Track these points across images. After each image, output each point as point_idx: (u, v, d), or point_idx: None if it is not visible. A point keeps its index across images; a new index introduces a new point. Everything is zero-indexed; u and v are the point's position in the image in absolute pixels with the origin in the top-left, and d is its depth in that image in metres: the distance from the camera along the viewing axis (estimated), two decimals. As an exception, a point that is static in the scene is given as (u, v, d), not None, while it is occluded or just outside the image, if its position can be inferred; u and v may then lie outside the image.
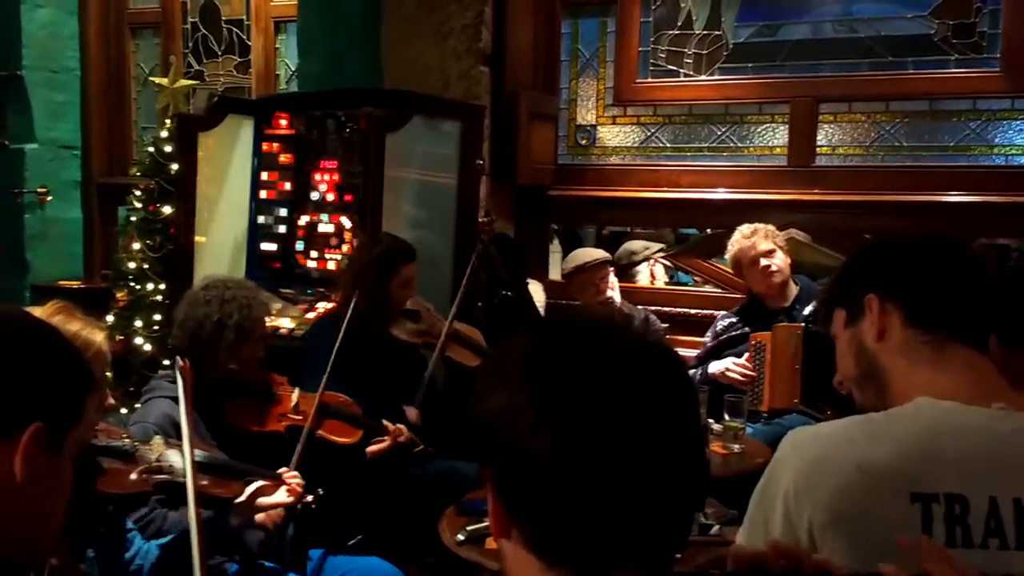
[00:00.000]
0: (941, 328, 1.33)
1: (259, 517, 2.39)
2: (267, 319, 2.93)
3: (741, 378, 3.70)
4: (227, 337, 2.70)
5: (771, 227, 3.88)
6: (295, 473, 2.53)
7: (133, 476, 2.13)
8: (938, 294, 1.36)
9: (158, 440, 2.23)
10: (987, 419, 1.24)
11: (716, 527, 2.62)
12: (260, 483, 2.41)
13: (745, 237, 3.85)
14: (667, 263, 5.08)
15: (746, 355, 3.75)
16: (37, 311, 1.83)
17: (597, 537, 0.82)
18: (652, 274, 5.10)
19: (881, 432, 1.25)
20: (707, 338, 4.03)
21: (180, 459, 2.20)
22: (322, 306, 3.89)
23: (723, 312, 4.11)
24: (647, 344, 0.88)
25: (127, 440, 2.15)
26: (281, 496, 2.44)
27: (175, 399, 2.33)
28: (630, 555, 0.83)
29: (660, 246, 5.16)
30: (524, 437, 0.82)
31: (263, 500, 2.40)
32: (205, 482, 2.27)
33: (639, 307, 4.38)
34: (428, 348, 3.44)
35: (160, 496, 2.29)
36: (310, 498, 2.52)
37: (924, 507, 1.17)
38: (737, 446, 3.25)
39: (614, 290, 4.26)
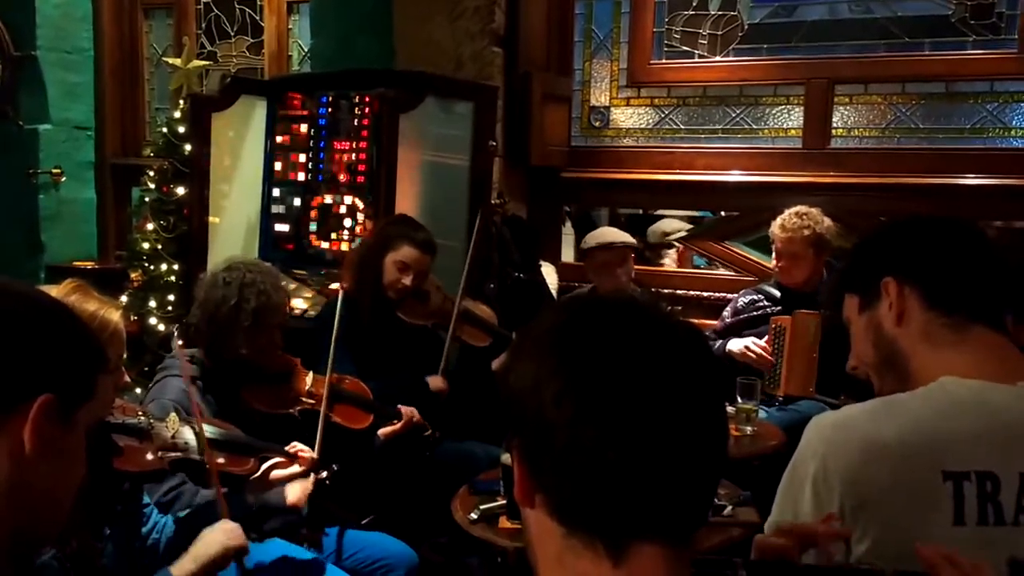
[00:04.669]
0: (961, 310, 1.32)
1: (290, 499, 2.40)
2: (288, 304, 2.91)
3: (759, 359, 3.68)
4: (243, 322, 2.68)
5: (819, 226, 3.69)
6: (305, 448, 2.55)
7: (149, 455, 2.14)
8: (957, 275, 1.34)
9: (173, 417, 2.24)
10: (1013, 396, 1.23)
11: (729, 508, 2.63)
12: (274, 459, 2.43)
13: (780, 226, 3.74)
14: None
15: (766, 337, 3.72)
16: (53, 290, 1.83)
17: (617, 506, 0.83)
18: (681, 257, 5.06)
19: (907, 412, 1.24)
20: (726, 313, 4.00)
21: (195, 437, 2.22)
22: (335, 287, 3.90)
23: (745, 289, 4.08)
24: (673, 321, 0.90)
25: (143, 418, 2.16)
26: (295, 469, 2.46)
27: (190, 377, 2.35)
28: (650, 525, 0.84)
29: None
30: (549, 406, 0.84)
31: (278, 474, 2.42)
32: (220, 460, 2.29)
33: (647, 289, 4.35)
34: (441, 329, 3.44)
35: (178, 474, 2.31)
36: (324, 474, 2.53)
37: (956, 485, 1.17)
38: (750, 428, 3.25)
39: (630, 278, 4.19)
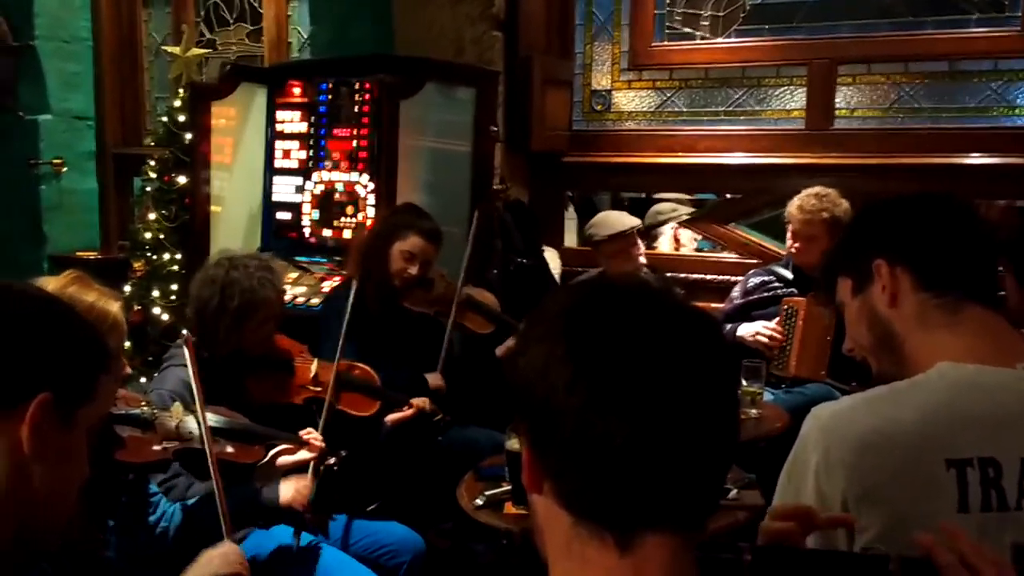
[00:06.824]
0: (954, 289, 1.31)
1: (283, 499, 2.40)
2: (281, 294, 2.88)
3: (771, 343, 3.63)
4: (225, 321, 2.69)
5: (837, 208, 3.61)
6: (316, 433, 2.54)
7: (153, 446, 2.14)
8: (948, 255, 1.33)
9: (177, 407, 2.24)
10: (1013, 379, 1.22)
11: (734, 491, 2.62)
12: (281, 446, 2.43)
13: (799, 207, 3.66)
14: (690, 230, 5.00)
15: (776, 319, 3.68)
16: (52, 281, 1.82)
17: (626, 494, 0.82)
18: (676, 239, 5.03)
19: (907, 401, 1.23)
20: (735, 294, 3.97)
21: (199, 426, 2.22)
22: (338, 275, 3.89)
23: (754, 269, 4.04)
24: (685, 307, 0.88)
25: (146, 408, 2.16)
26: (303, 455, 2.45)
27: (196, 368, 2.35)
28: (660, 514, 0.83)
29: (688, 209, 5.09)
30: (559, 392, 0.83)
31: (285, 459, 2.42)
32: (229, 449, 2.29)
33: (660, 273, 4.31)
34: (444, 316, 3.43)
35: (181, 463, 2.31)
36: (332, 460, 2.53)
37: (959, 473, 1.16)
38: (755, 411, 3.24)
39: (642, 258, 4.16)
